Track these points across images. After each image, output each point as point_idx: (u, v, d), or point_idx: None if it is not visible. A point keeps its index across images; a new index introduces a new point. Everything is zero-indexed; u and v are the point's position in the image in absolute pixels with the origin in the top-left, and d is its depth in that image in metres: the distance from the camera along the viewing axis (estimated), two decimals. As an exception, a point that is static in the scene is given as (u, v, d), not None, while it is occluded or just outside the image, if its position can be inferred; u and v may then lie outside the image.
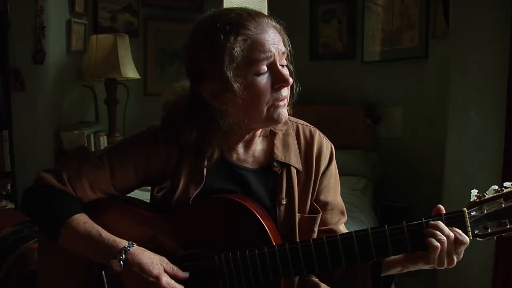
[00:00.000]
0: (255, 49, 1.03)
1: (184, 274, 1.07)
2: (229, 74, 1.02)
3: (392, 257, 1.07)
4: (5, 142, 2.80)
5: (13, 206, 2.74)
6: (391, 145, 3.62)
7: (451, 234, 0.99)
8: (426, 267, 1.04)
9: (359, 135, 3.60)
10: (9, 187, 2.79)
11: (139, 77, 3.48)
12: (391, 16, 3.51)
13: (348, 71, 3.83)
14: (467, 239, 1.00)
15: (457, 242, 1.00)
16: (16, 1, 2.85)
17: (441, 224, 1.00)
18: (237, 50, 1.02)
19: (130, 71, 3.35)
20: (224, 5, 3.92)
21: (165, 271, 1.05)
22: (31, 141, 2.99)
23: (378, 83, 3.67)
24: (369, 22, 3.68)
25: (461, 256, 1.02)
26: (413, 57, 3.34)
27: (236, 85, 1.03)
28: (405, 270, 1.07)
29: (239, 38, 1.02)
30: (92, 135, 3.20)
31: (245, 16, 1.04)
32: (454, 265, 1.01)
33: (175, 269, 1.07)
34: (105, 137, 3.27)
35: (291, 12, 3.86)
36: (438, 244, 0.98)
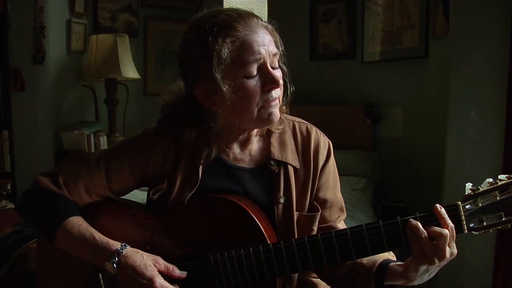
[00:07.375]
0: (244, 50, 1.03)
1: (180, 274, 1.07)
2: (217, 75, 1.03)
3: (395, 267, 1.06)
4: (5, 142, 2.81)
5: (13, 206, 2.74)
6: (391, 145, 3.61)
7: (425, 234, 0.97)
8: (424, 267, 0.99)
9: (359, 135, 3.60)
10: (9, 187, 2.79)
11: (139, 77, 3.47)
12: (391, 16, 3.51)
13: (348, 71, 3.83)
14: (446, 232, 0.96)
15: (435, 236, 0.96)
16: (16, 1, 2.85)
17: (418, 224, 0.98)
18: (225, 52, 1.02)
19: (130, 71, 3.35)
20: (224, 5, 3.91)
21: (159, 271, 1.04)
22: (31, 141, 2.99)
23: (378, 83, 3.66)
24: (369, 22, 3.68)
25: (455, 251, 0.98)
26: (413, 57, 3.34)
27: (224, 87, 1.03)
28: (409, 283, 1.04)
29: (227, 39, 1.02)
30: (92, 135, 3.20)
31: (234, 17, 1.04)
32: (446, 260, 0.98)
33: (171, 268, 1.06)
34: (105, 137, 3.27)
35: (291, 12, 3.86)
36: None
